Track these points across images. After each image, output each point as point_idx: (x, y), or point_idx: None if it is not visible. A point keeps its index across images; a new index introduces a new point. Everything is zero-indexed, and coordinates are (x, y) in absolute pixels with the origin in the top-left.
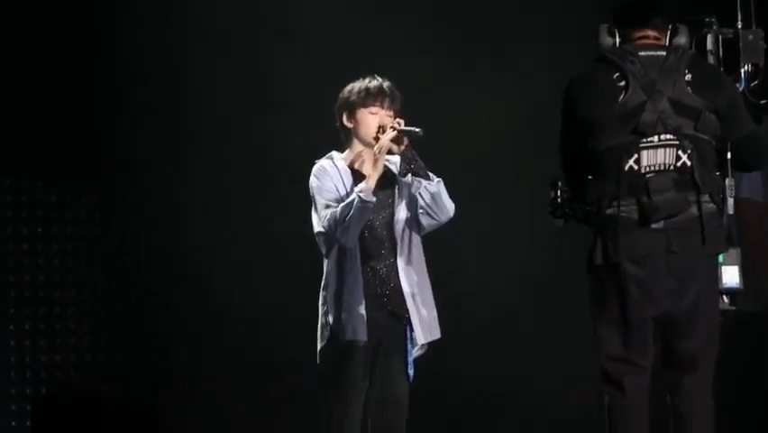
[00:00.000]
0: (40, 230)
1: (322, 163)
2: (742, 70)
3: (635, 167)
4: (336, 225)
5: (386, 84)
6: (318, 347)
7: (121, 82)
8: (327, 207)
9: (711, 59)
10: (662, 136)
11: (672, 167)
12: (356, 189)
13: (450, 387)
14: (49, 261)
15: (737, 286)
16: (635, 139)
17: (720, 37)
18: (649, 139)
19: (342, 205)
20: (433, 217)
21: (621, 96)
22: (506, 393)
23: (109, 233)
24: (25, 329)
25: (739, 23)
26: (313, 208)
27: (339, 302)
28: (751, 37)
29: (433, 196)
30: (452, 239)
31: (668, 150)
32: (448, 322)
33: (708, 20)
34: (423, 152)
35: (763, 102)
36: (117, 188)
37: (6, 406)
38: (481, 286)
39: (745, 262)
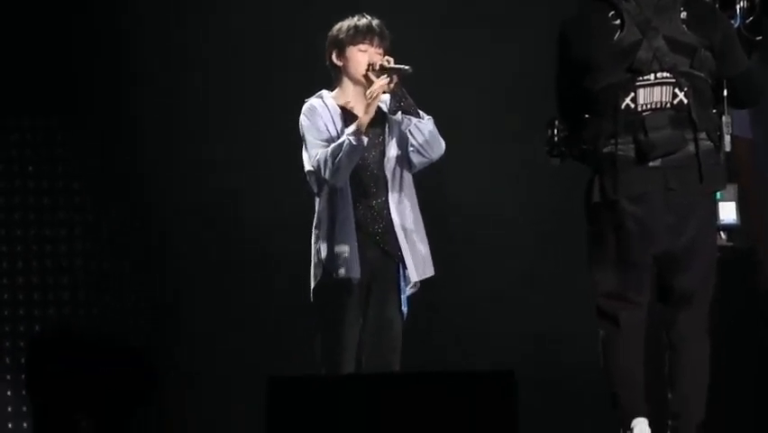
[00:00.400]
0: (31, 169)
1: (312, 102)
2: (737, 6)
3: (632, 105)
4: (326, 165)
5: (375, 22)
6: (312, 285)
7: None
8: (317, 146)
9: None
10: (659, 74)
11: (668, 105)
12: (347, 131)
13: (443, 324)
14: (38, 199)
15: (735, 222)
16: (632, 77)
17: None
18: (645, 77)
19: (332, 146)
20: (423, 155)
21: (616, 35)
22: (501, 327)
23: (103, 183)
24: (18, 266)
25: None
26: (303, 147)
27: (331, 240)
28: None
29: (423, 133)
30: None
31: (664, 87)
32: (443, 260)
33: None
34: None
35: (758, 38)
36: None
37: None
38: (481, 223)
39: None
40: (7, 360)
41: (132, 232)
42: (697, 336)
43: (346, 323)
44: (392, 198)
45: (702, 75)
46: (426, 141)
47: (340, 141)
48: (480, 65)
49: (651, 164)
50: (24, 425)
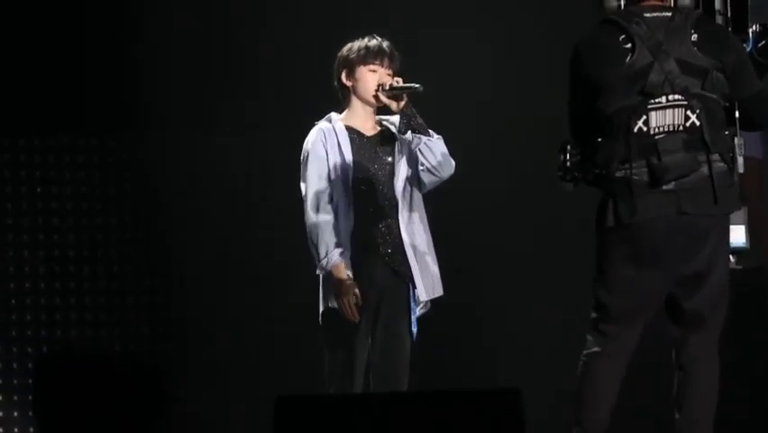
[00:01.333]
0: (39, 190)
1: (320, 127)
2: (750, 30)
3: (644, 128)
4: (309, 236)
5: (385, 43)
6: (320, 309)
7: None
8: (314, 186)
9: (719, 20)
10: (671, 97)
11: (681, 127)
12: (324, 260)
13: (452, 344)
14: (47, 220)
15: (744, 245)
16: (644, 100)
17: None
18: (657, 100)
19: (324, 235)
20: (434, 174)
21: (628, 58)
22: (510, 350)
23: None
24: (26, 288)
25: None
26: (302, 175)
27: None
28: None
29: (433, 152)
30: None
31: (676, 110)
32: (452, 281)
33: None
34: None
35: None
36: (128, 148)
37: (8, 364)
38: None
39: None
40: (15, 381)
41: (138, 252)
42: (707, 358)
43: (355, 343)
44: (402, 218)
45: (714, 96)
46: (437, 160)
47: (326, 248)
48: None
49: (665, 188)
50: None
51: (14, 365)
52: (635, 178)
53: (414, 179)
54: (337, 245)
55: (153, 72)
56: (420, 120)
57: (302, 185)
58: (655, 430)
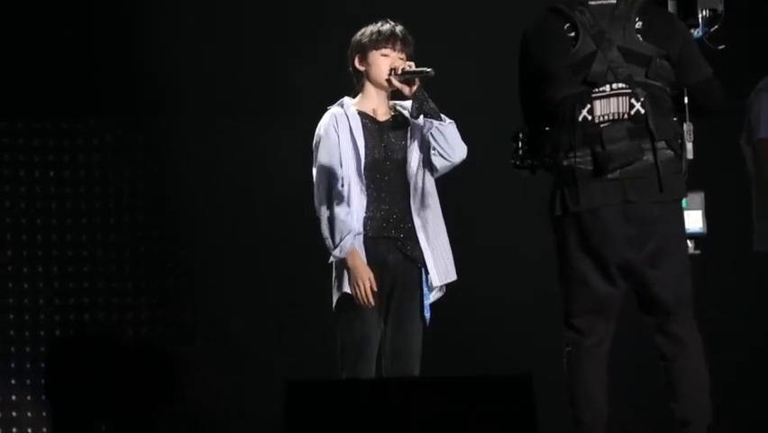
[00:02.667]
0: (52, 174)
1: (332, 112)
2: (700, 16)
3: (589, 117)
4: (318, 217)
5: (398, 27)
6: (333, 294)
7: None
8: (324, 172)
9: (671, 6)
10: (614, 85)
11: (625, 115)
12: (337, 248)
13: (462, 327)
14: (61, 204)
15: (701, 231)
16: (587, 89)
17: None
18: (601, 89)
19: (338, 220)
20: (445, 158)
21: (572, 47)
22: (522, 331)
23: (123, 176)
24: (38, 272)
25: None
26: (314, 161)
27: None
28: None
29: (445, 136)
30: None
31: (620, 98)
32: (466, 266)
33: None
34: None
35: (721, 47)
36: (143, 133)
37: (21, 348)
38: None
39: (764, 200)
40: (27, 365)
41: (151, 237)
42: (686, 341)
43: (368, 328)
44: (414, 203)
45: (659, 84)
46: (448, 144)
47: (341, 233)
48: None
49: (609, 176)
50: (44, 430)
51: (27, 349)
52: (580, 167)
53: (426, 164)
54: (350, 231)
55: (166, 59)
56: (432, 104)
57: (314, 170)
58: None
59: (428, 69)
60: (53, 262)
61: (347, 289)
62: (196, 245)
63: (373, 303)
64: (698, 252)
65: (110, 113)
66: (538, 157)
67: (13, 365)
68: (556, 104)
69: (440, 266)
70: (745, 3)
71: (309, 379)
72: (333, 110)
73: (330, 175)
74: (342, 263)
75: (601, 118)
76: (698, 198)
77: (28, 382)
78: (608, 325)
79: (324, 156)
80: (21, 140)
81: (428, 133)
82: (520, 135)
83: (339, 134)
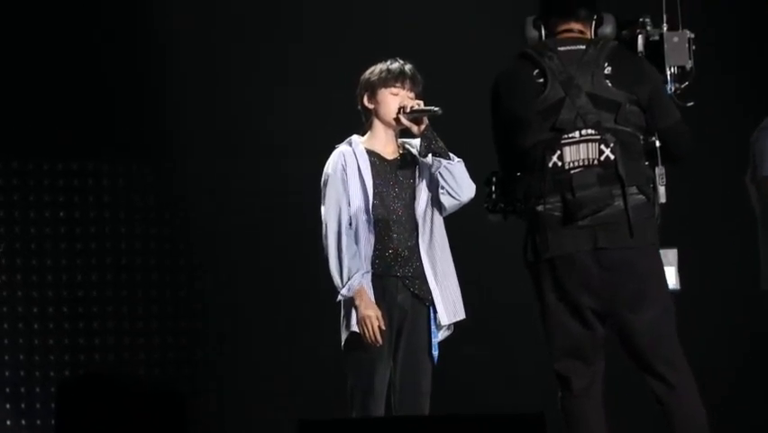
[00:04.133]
0: (62, 214)
1: (341, 150)
2: (668, 72)
3: (559, 163)
4: (326, 253)
5: (407, 66)
6: (341, 333)
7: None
8: (333, 208)
9: None
10: (583, 131)
11: (595, 161)
12: (345, 287)
13: (475, 367)
14: (70, 244)
15: (675, 287)
16: (557, 135)
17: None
18: (570, 135)
19: (346, 259)
20: (454, 197)
21: (541, 93)
22: (535, 374)
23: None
24: (49, 312)
25: (664, 24)
26: (322, 199)
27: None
28: (676, 39)
29: (453, 175)
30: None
31: (590, 144)
32: (473, 303)
33: (641, 20)
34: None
35: (689, 104)
36: (154, 173)
37: (31, 388)
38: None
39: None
40: (38, 405)
41: (162, 277)
42: (676, 381)
43: (377, 367)
44: (422, 242)
45: (629, 129)
46: (457, 183)
47: (349, 273)
48: None
49: (580, 223)
50: None
51: (37, 390)
52: (551, 213)
53: (435, 203)
54: (358, 270)
55: (176, 104)
56: (440, 143)
57: (321, 208)
58: None
59: (436, 108)
60: (63, 302)
61: (355, 328)
62: (207, 287)
63: (381, 342)
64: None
65: (121, 155)
66: (510, 202)
67: (23, 406)
68: (527, 149)
69: (448, 305)
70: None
71: (321, 419)
72: (342, 148)
73: (338, 213)
74: (350, 302)
75: (571, 164)
76: (671, 254)
77: (38, 422)
78: (590, 367)
79: (332, 194)
80: (32, 181)
81: (437, 172)
82: (493, 180)
83: (347, 173)
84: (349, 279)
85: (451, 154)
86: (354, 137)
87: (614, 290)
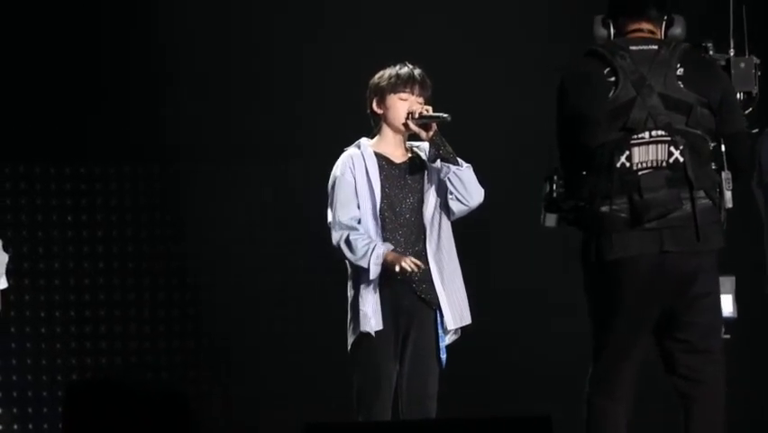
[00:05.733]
0: (70, 218)
1: (349, 153)
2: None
3: (627, 164)
4: (345, 251)
5: (417, 71)
6: (348, 336)
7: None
8: (341, 210)
9: None
10: (654, 132)
11: (664, 163)
12: (373, 259)
13: (481, 370)
14: (78, 248)
15: (732, 315)
16: (626, 135)
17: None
18: (640, 135)
19: (359, 242)
20: (462, 203)
21: (611, 92)
22: (541, 376)
23: (141, 220)
24: (56, 316)
25: (731, 50)
26: (329, 202)
27: (357, 295)
28: (743, 65)
29: (462, 180)
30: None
31: (659, 146)
32: (482, 308)
33: (704, 45)
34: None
35: (755, 131)
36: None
37: (38, 392)
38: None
39: None
40: (45, 409)
41: (170, 281)
42: (709, 378)
43: (384, 370)
44: (430, 247)
45: (699, 132)
46: (465, 189)
47: (367, 246)
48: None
49: (647, 225)
50: None
51: (44, 394)
52: (617, 214)
53: (443, 208)
54: (376, 243)
55: (185, 108)
56: (449, 149)
57: (328, 210)
58: None
59: (445, 115)
60: (71, 306)
61: (363, 329)
62: (215, 290)
63: (423, 266)
64: (727, 336)
65: (127, 158)
66: (572, 201)
67: (30, 410)
68: (594, 149)
69: (455, 309)
70: None
71: (327, 422)
72: (350, 151)
73: (346, 215)
74: (357, 304)
75: (640, 165)
76: (728, 282)
77: (45, 426)
78: (629, 371)
79: (340, 197)
80: (39, 184)
81: (445, 178)
82: (554, 178)
83: (355, 176)
84: (372, 250)
85: (459, 160)
86: (363, 140)
87: (673, 296)
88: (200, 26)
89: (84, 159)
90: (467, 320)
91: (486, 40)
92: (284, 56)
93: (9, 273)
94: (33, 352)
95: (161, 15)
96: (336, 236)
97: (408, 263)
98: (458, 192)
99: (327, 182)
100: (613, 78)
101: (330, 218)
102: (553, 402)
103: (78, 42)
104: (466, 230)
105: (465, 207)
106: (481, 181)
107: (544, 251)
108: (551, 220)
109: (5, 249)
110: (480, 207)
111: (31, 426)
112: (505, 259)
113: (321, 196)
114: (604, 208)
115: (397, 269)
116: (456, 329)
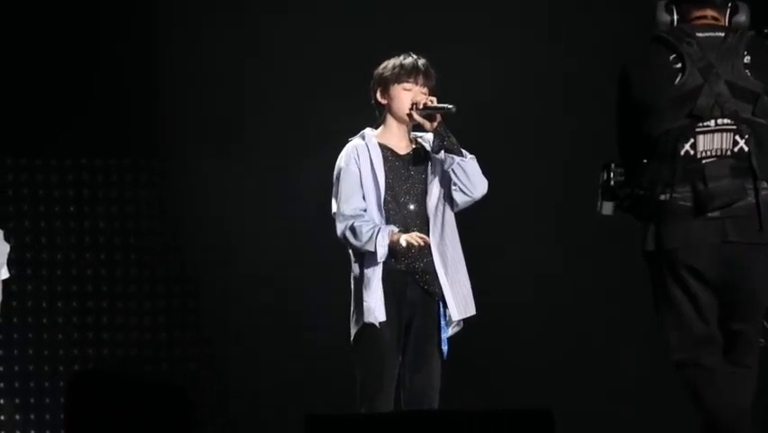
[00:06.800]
0: (72, 209)
1: (354, 144)
2: None
3: (691, 152)
4: (351, 238)
5: (421, 61)
6: (351, 327)
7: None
8: (347, 201)
9: None
10: (719, 120)
11: (728, 152)
12: (380, 241)
13: (484, 363)
14: (80, 239)
15: None
16: (692, 123)
17: None
18: (705, 123)
19: (364, 230)
20: (466, 194)
21: (677, 79)
22: (543, 370)
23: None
24: (58, 307)
25: None
26: (333, 192)
27: (359, 287)
28: None
29: (466, 172)
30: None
31: (725, 134)
32: (485, 300)
33: (765, 31)
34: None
35: None
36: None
37: (40, 383)
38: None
39: None
40: (47, 400)
41: (172, 274)
42: (750, 363)
43: (386, 361)
44: (433, 237)
45: (764, 122)
46: (469, 180)
47: (372, 230)
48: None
49: (709, 215)
50: None
51: (46, 384)
52: (680, 203)
53: (446, 198)
54: (380, 229)
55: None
56: (453, 140)
57: (333, 201)
58: None
59: (449, 106)
60: (72, 296)
61: (366, 320)
62: (216, 283)
63: (429, 240)
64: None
65: (129, 150)
66: (629, 189)
67: (32, 400)
68: (657, 136)
69: (459, 300)
70: None
71: (329, 413)
72: (355, 142)
73: (350, 206)
74: (361, 294)
75: (704, 154)
76: None
77: (47, 417)
78: (711, 356)
79: (344, 187)
80: (39, 176)
81: (449, 169)
82: (612, 166)
83: (360, 167)
84: (377, 233)
85: (463, 151)
86: (367, 131)
87: (733, 286)
88: (203, 19)
89: (85, 151)
90: (471, 311)
91: (489, 32)
92: (288, 44)
93: (11, 263)
94: (35, 342)
95: (161, 7)
96: (341, 227)
97: (414, 238)
98: (461, 183)
99: (329, 174)
100: (679, 65)
101: (334, 209)
102: (554, 396)
103: (79, 34)
104: (469, 222)
105: (469, 199)
106: (485, 172)
107: (548, 244)
108: (607, 208)
109: (7, 239)
110: (484, 198)
111: (32, 416)
112: (508, 250)
113: (321, 186)
114: (664, 196)
115: (403, 243)
116: (459, 321)
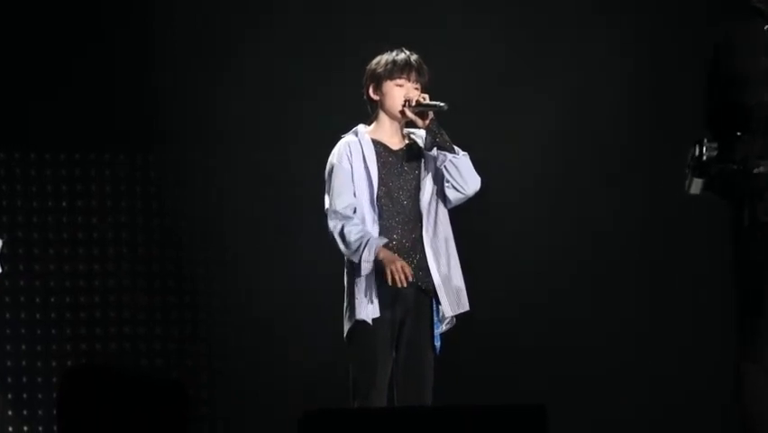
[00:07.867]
0: (65, 204)
1: (346, 140)
2: None
3: None
4: (338, 242)
5: (413, 57)
6: (344, 324)
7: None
8: (339, 197)
9: None
10: None
11: None
12: (365, 256)
13: (477, 359)
14: (72, 233)
15: None
16: None
17: None
18: None
19: (353, 234)
20: (459, 191)
21: None
22: (536, 366)
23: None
24: (51, 302)
25: None
26: (326, 189)
27: (352, 283)
28: None
29: (458, 168)
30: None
31: None
32: (478, 296)
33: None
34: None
35: None
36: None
37: (33, 378)
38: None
39: None
40: (39, 395)
41: (165, 268)
42: None
43: (379, 357)
44: (427, 234)
45: None
46: (462, 177)
47: (360, 240)
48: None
49: None
50: None
51: (39, 380)
52: None
53: (439, 195)
54: (370, 236)
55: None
56: (446, 137)
57: (326, 197)
58: None
59: (441, 104)
60: (65, 291)
61: (359, 317)
62: (209, 278)
63: (411, 280)
64: None
65: (123, 145)
66: (720, 165)
67: (25, 396)
68: (750, 108)
69: (452, 296)
70: None
71: (324, 409)
72: (347, 138)
73: (343, 202)
74: (353, 292)
75: None
76: None
77: (40, 412)
78: None
79: (337, 184)
80: (33, 171)
81: (442, 166)
82: (704, 141)
83: (352, 163)
84: (367, 244)
85: (456, 148)
86: (360, 127)
87: None
88: (200, 15)
89: (79, 145)
90: (465, 307)
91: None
92: (283, 40)
93: (3, 259)
94: (28, 337)
95: (158, 2)
96: (332, 225)
97: (398, 271)
98: (454, 180)
99: (324, 169)
100: None
101: (327, 205)
102: (547, 391)
103: (74, 29)
104: (464, 218)
105: (461, 195)
106: (478, 169)
107: (539, 237)
108: (696, 186)
109: None
110: (477, 195)
111: (25, 412)
112: (502, 247)
113: (318, 182)
114: (759, 169)
115: (388, 273)
116: (451, 317)
